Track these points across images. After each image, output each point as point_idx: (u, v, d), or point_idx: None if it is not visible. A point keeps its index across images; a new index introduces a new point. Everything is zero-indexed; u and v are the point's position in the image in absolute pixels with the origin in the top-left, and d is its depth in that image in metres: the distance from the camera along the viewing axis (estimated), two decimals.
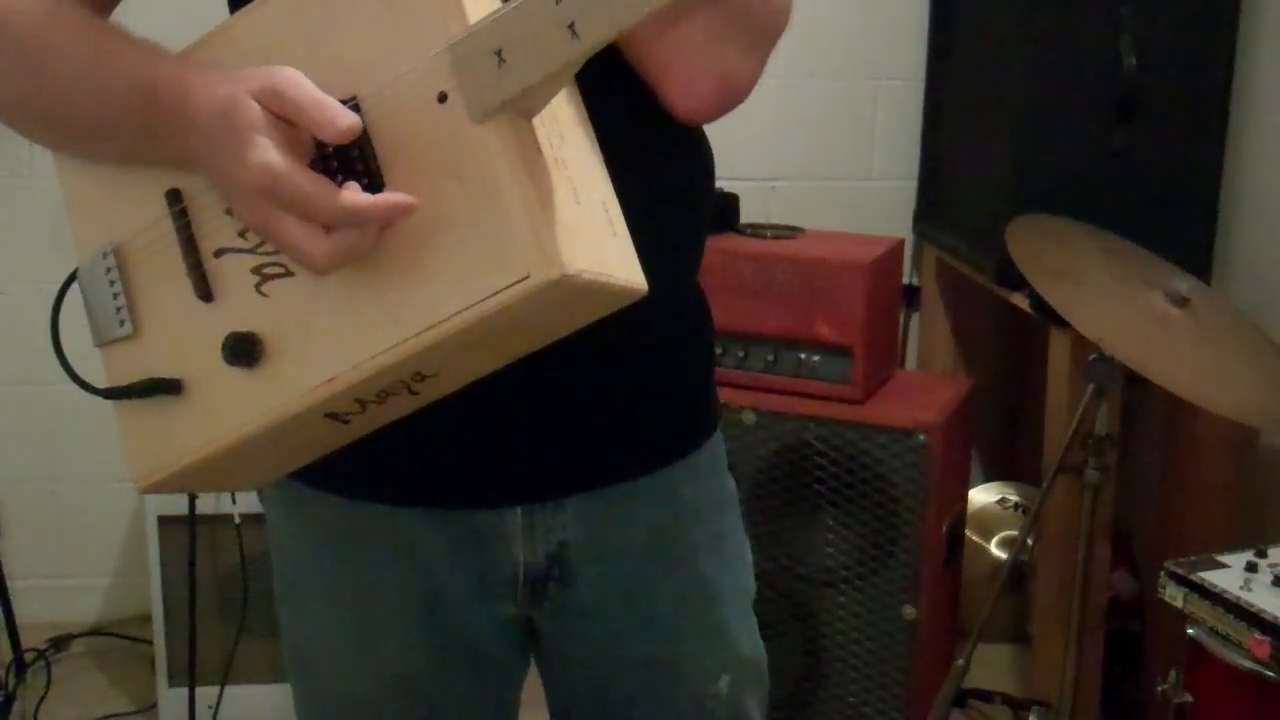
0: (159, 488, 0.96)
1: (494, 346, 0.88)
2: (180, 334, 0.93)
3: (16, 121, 0.98)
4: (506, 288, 0.80)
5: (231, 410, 0.90)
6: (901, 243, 2.37)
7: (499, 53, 0.79)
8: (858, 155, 2.90)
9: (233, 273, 0.90)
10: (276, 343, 0.89)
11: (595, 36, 0.77)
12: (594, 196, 0.88)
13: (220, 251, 0.90)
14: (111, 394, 0.95)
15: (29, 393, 2.78)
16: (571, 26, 0.76)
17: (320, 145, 0.83)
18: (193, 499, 2.26)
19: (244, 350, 0.88)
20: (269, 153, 0.80)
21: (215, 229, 0.90)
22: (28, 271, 2.72)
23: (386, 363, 0.84)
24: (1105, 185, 2.20)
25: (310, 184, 0.80)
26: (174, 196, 0.91)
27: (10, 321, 2.76)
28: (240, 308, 0.90)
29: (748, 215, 2.42)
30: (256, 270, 0.89)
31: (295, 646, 1.15)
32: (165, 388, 0.93)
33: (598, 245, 0.85)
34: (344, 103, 0.83)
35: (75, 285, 0.98)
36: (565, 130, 0.87)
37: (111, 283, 0.95)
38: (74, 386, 0.99)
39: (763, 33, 0.97)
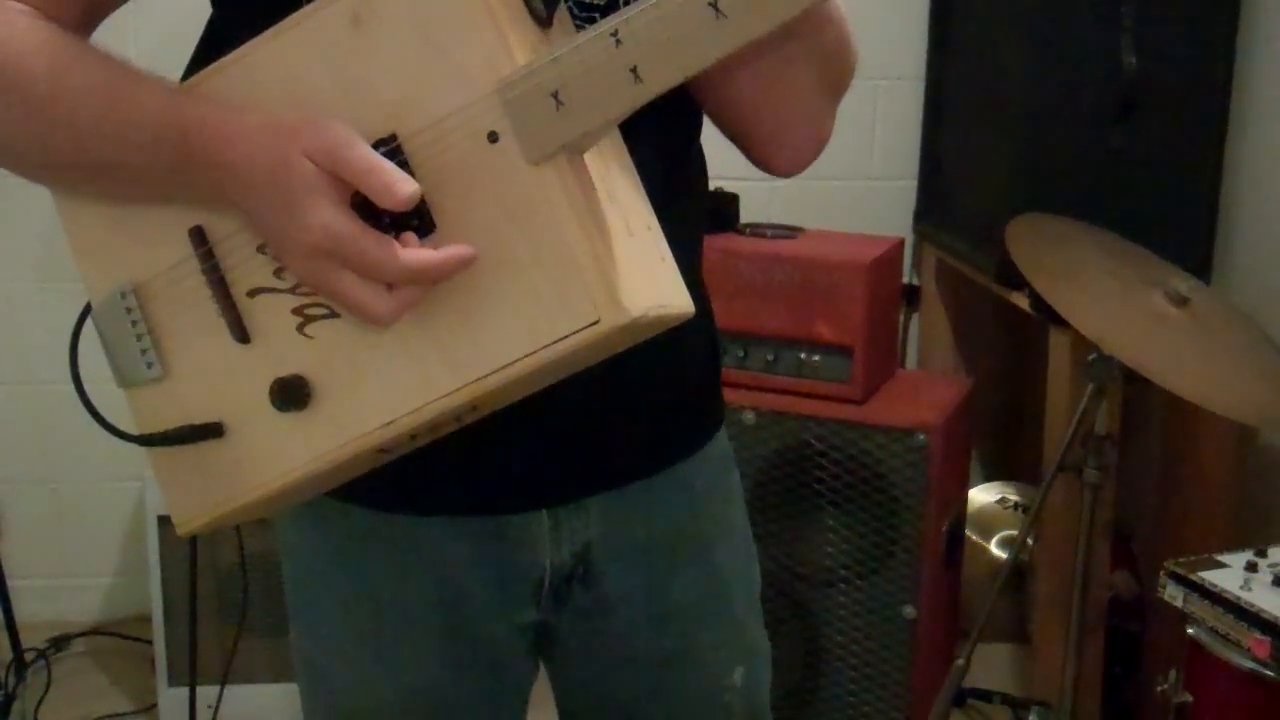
0: (203, 529, 0.94)
1: (554, 374, 0.86)
2: (216, 376, 0.89)
3: (19, 165, 0.93)
4: (575, 332, 0.79)
5: (281, 454, 0.88)
6: (901, 243, 2.37)
7: (556, 94, 0.77)
8: (858, 155, 2.90)
9: (270, 313, 0.87)
10: (325, 385, 0.86)
11: (660, 83, 0.75)
12: (642, 224, 0.87)
13: (255, 291, 0.87)
14: (149, 440, 0.92)
15: (29, 393, 2.78)
16: (635, 70, 0.75)
17: None
18: None
19: (294, 395, 0.86)
20: (328, 213, 0.79)
21: (248, 269, 0.87)
22: (27, 271, 2.72)
23: (448, 405, 0.83)
24: (1105, 185, 2.20)
25: (373, 245, 0.79)
26: (198, 235, 0.88)
27: (10, 321, 2.76)
28: (282, 349, 0.87)
29: (748, 215, 2.41)
30: (298, 311, 0.86)
31: (308, 657, 1.14)
32: (208, 433, 0.90)
33: (653, 277, 0.85)
34: (383, 141, 0.81)
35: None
36: (609, 158, 0.86)
37: (134, 323, 0.91)
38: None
39: (842, 83, 1.02)
